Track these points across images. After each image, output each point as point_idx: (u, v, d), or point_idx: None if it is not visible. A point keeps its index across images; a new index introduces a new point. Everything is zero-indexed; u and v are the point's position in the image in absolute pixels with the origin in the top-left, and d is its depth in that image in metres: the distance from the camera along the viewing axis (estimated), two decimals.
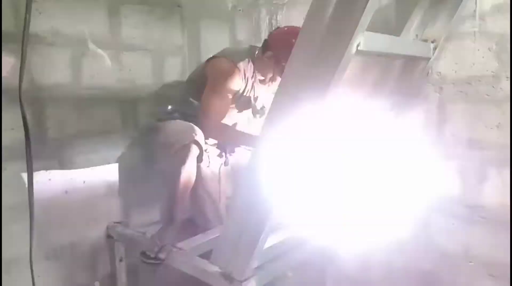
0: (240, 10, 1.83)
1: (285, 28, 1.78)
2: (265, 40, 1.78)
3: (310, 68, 1.07)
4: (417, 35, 1.57)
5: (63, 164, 1.79)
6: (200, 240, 1.78)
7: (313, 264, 2.10)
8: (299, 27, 1.71)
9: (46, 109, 1.71)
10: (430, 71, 1.64)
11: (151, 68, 2.06)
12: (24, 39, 1.29)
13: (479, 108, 1.57)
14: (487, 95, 1.54)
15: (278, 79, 1.82)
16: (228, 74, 1.75)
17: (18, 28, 1.60)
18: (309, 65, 1.07)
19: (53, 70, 1.71)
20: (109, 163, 1.95)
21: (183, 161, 1.67)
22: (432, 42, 1.54)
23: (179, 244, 1.69)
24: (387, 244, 1.86)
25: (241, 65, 1.78)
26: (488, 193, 1.58)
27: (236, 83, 1.78)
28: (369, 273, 1.94)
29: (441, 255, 1.72)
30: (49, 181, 1.74)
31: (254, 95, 1.89)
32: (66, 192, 1.80)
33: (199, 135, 1.69)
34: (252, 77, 1.84)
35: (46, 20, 1.67)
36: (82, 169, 1.85)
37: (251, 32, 2.25)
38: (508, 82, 1.49)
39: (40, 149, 1.67)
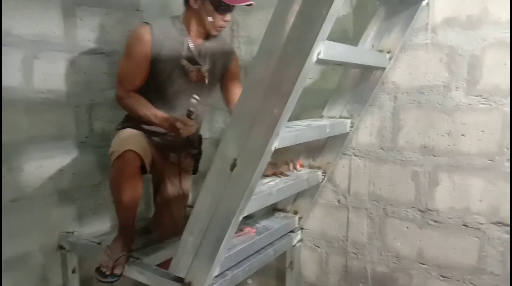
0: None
1: None
2: None
3: (271, 75, 1.07)
4: (373, 46, 1.63)
5: (12, 171, 1.70)
6: (158, 249, 1.74)
7: (273, 270, 2.11)
8: None
9: None
10: (385, 80, 1.70)
11: (108, 72, 2.01)
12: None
13: (431, 116, 1.64)
14: (438, 104, 1.62)
15: (220, 19, 1.63)
16: (137, 34, 1.64)
17: None
18: (270, 72, 1.07)
19: (3, 72, 1.63)
20: (61, 169, 1.87)
21: (120, 171, 1.56)
22: (388, 52, 1.60)
23: (135, 254, 1.65)
24: (345, 248, 1.90)
25: (157, 24, 1.66)
26: (439, 198, 1.65)
27: (144, 42, 1.62)
28: (327, 277, 1.97)
29: (396, 258, 1.78)
30: None
31: (188, 53, 1.69)
32: (15, 200, 1.71)
33: (140, 143, 1.60)
34: (181, 36, 1.68)
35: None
36: (33, 176, 1.77)
37: None
38: (457, 92, 1.57)
39: None
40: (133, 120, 1.71)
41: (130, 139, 1.59)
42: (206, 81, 1.72)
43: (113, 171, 1.58)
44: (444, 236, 1.66)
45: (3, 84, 1.64)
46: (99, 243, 1.78)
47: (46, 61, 1.77)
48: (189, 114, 1.55)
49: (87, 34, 1.91)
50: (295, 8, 0.99)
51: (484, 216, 1.57)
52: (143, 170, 1.61)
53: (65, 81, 1.85)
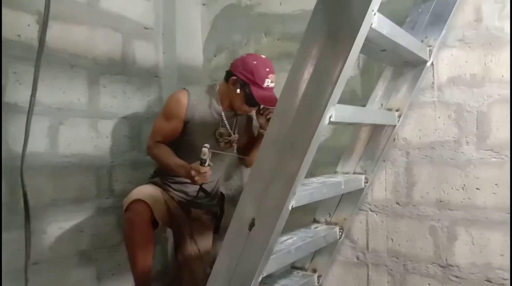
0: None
1: (245, 55, 1.81)
2: (227, 71, 1.81)
3: (287, 136, 1.13)
4: (382, 105, 1.69)
5: (35, 234, 1.74)
6: None
7: None
8: (258, 54, 1.81)
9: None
10: (396, 137, 1.75)
11: (128, 135, 2.10)
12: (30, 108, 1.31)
13: (444, 170, 1.66)
14: (450, 158, 1.64)
15: (248, 108, 1.81)
16: (174, 97, 1.80)
17: None
18: (285, 134, 1.13)
19: (31, 138, 1.72)
20: (82, 231, 1.91)
21: (130, 222, 1.62)
22: (397, 110, 1.66)
23: None
24: None
25: (194, 90, 1.81)
26: (459, 253, 1.63)
27: (180, 105, 1.77)
28: None
29: None
30: (18, 252, 1.67)
31: (221, 122, 1.86)
32: (37, 263, 1.73)
33: (151, 195, 1.66)
34: (215, 105, 1.83)
35: (26, 91, 1.70)
36: (54, 238, 1.81)
37: None
38: (468, 146, 1.60)
39: (12, 219, 1.63)
40: (160, 174, 1.83)
41: (141, 190, 1.67)
42: (234, 150, 1.87)
43: (124, 224, 1.64)
44: None
45: (30, 150, 1.72)
46: None
47: (71, 127, 1.87)
48: (202, 162, 1.60)
49: (109, 100, 2.02)
50: (306, 77, 1.07)
51: (507, 271, 1.54)
52: (155, 223, 1.65)
53: (87, 145, 1.94)
